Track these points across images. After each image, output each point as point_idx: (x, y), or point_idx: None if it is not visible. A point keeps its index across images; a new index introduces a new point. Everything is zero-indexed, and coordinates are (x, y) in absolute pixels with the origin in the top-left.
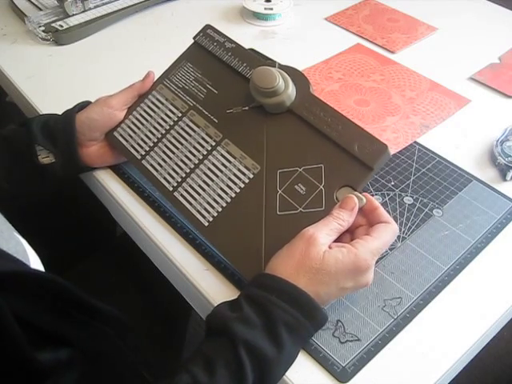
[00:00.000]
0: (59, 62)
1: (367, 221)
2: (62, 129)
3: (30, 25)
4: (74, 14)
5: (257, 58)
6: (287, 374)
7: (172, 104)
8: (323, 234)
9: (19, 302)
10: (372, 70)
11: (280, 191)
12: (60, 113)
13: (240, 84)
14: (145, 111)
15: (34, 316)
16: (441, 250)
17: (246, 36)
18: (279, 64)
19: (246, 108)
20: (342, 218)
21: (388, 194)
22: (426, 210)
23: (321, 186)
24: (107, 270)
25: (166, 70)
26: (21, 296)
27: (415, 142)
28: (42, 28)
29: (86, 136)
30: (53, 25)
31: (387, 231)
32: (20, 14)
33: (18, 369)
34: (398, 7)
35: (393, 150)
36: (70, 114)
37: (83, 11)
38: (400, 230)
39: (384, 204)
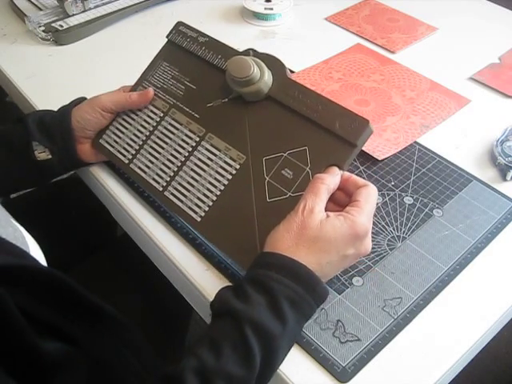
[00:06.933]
0: (59, 61)
1: (345, 192)
2: (58, 125)
3: (30, 25)
4: (74, 14)
5: (231, 49)
6: (287, 374)
7: (153, 105)
8: (317, 201)
9: (21, 294)
10: (372, 70)
11: (268, 178)
12: None
13: (217, 77)
14: (127, 115)
15: (35, 309)
16: (441, 250)
17: (246, 36)
18: (254, 52)
19: (226, 100)
20: (326, 178)
21: (388, 194)
22: (426, 210)
23: (307, 169)
24: (108, 270)
25: (144, 72)
26: (23, 289)
27: (415, 142)
28: (42, 28)
29: (80, 133)
30: (53, 25)
31: (371, 193)
32: (20, 14)
33: (23, 358)
34: (398, 7)
35: (393, 150)
36: (66, 110)
37: (83, 11)
38: (400, 229)
39: (384, 204)
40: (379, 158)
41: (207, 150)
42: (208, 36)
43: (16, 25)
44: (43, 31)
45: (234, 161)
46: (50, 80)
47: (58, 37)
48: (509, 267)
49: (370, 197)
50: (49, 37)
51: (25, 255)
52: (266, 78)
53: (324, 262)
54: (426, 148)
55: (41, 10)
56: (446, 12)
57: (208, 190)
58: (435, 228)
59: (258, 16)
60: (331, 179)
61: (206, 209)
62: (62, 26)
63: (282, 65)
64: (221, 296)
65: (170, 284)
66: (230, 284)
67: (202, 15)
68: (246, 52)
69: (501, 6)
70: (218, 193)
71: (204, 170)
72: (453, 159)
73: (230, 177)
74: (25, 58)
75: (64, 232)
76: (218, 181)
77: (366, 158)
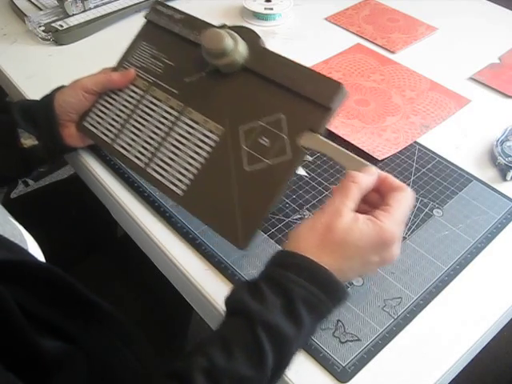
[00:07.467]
0: (59, 61)
1: (380, 193)
2: (41, 111)
3: (30, 25)
4: (74, 14)
5: (206, 24)
6: (287, 373)
7: (133, 84)
8: (345, 202)
9: (21, 291)
10: (372, 70)
11: (244, 147)
12: None
13: (194, 52)
14: (109, 96)
15: (34, 307)
16: (441, 250)
17: None
18: (228, 25)
19: (203, 74)
20: (357, 177)
21: None
22: (426, 210)
23: (283, 135)
24: (108, 271)
25: (124, 53)
26: (22, 286)
27: (415, 142)
28: (42, 28)
29: (64, 117)
30: (53, 25)
31: (406, 197)
32: (20, 14)
33: (24, 355)
34: (398, 7)
35: (393, 150)
36: (49, 96)
37: (83, 11)
38: None
39: None
40: (379, 158)
41: (186, 124)
42: (184, 13)
43: (16, 25)
44: (43, 31)
45: (212, 132)
46: (49, 80)
47: (57, 37)
48: (509, 267)
49: (403, 202)
50: (49, 37)
51: (23, 252)
52: (240, 49)
53: (345, 268)
54: (426, 148)
55: (41, 9)
56: (446, 12)
57: (188, 163)
58: (435, 228)
59: (257, 16)
60: (364, 178)
61: (188, 182)
62: (62, 26)
63: (257, 35)
64: (235, 293)
65: (170, 284)
66: (230, 284)
67: (201, 15)
68: (221, 25)
69: (501, 6)
70: (199, 166)
71: (184, 144)
72: (453, 159)
73: (209, 149)
74: (25, 58)
75: (64, 232)
76: (198, 154)
77: (366, 158)
